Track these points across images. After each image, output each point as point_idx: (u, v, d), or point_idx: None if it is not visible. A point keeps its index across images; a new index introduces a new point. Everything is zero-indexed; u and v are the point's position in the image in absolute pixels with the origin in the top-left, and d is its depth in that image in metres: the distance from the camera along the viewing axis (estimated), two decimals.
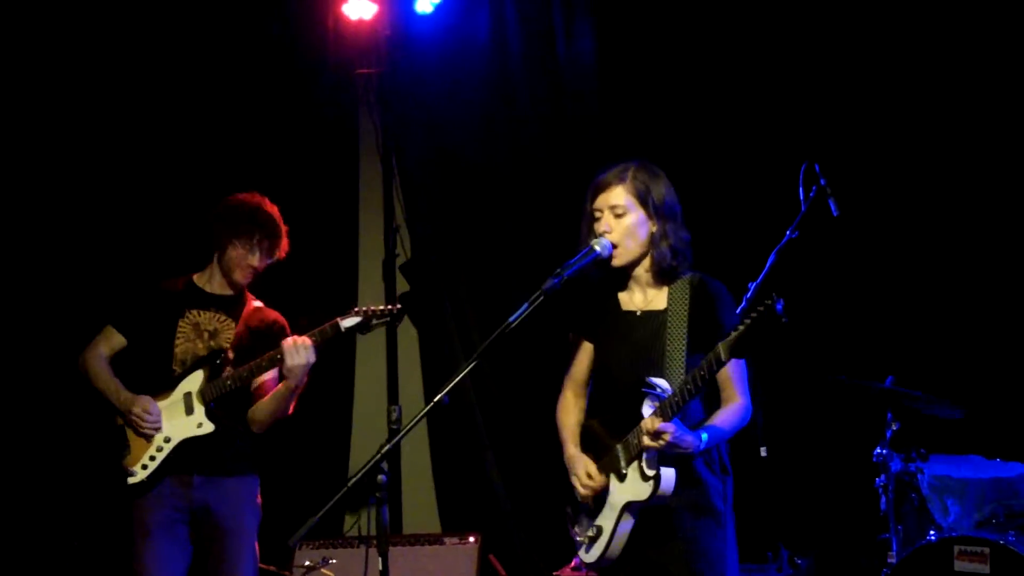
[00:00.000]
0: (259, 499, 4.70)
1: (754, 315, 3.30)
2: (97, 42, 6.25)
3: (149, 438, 4.51)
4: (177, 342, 4.61)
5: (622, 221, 3.69)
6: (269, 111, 6.47)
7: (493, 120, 6.55)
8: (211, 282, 4.72)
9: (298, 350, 4.41)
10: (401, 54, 6.55)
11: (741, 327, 3.33)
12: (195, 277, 4.74)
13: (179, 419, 4.52)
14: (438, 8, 6.38)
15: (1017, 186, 5.69)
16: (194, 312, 4.65)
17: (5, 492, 6.09)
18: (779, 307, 3.25)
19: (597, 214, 3.72)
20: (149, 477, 4.47)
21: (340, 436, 6.63)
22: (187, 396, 4.53)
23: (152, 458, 4.49)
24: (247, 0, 6.39)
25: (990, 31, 5.71)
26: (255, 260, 4.64)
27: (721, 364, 3.41)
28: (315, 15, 6.45)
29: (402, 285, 6.67)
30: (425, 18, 6.41)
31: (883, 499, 4.98)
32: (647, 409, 3.55)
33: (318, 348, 4.45)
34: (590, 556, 3.72)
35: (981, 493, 4.90)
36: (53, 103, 6.26)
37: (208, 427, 4.51)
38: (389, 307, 4.47)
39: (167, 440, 4.51)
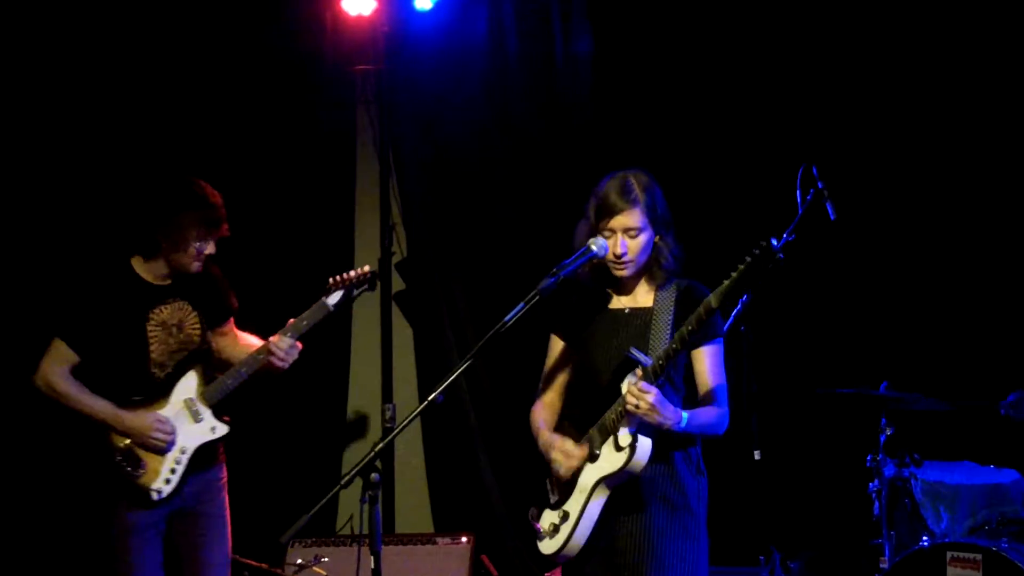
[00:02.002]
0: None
1: (748, 259, 3.35)
2: (94, 35, 6.22)
3: (163, 451, 4.40)
4: (152, 346, 4.46)
5: (637, 241, 3.71)
6: (266, 107, 6.44)
7: (490, 118, 6.54)
8: (155, 272, 4.48)
9: (292, 349, 4.46)
10: (399, 51, 6.53)
11: (735, 274, 3.38)
12: (139, 270, 4.47)
13: (188, 426, 4.44)
14: (437, 5, 6.37)
15: (1011, 190, 5.70)
16: (156, 310, 4.47)
17: None
18: (775, 244, 3.30)
19: (607, 234, 3.71)
20: (175, 488, 4.40)
21: (334, 434, 6.61)
22: (189, 402, 4.45)
23: (173, 471, 4.40)
24: None
25: (987, 34, 5.71)
26: (213, 249, 4.49)
27: (712, 312, 3.47)
28: (313, 11, 6.43)
29: (398, 283, 6.67)
30: (424, 15, 6.40)
31: (876, 504, 4.99)
32: (629, 380, 3.55)
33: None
34: (552, 545, 3.77)
35: (974, 499, 4.90)
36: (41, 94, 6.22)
37: (222, 429, 4.49)
38: (363, 271, 4.36)
39: (183, 451, 4.42)
